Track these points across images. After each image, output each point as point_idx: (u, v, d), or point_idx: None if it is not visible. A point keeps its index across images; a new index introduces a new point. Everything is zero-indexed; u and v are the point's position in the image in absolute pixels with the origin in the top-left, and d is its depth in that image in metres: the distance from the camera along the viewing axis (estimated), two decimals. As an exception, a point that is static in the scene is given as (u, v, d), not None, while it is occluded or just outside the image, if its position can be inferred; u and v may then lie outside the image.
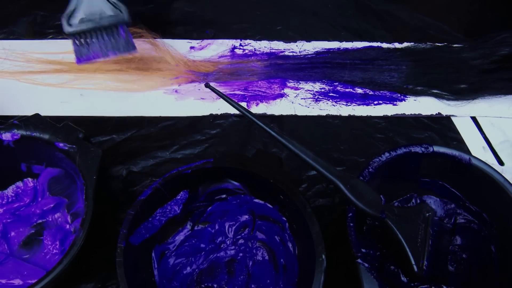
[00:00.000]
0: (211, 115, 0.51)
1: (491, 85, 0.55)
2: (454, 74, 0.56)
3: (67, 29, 0.47)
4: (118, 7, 0.49)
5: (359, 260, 0.32)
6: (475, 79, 0.55)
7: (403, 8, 0.67)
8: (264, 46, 0.59)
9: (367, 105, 0.53)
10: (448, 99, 0.54)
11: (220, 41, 0.59)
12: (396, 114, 0.53)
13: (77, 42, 0.49)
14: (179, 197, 0.39)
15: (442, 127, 0.52)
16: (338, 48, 0.59)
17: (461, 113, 0.53)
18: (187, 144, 0.48)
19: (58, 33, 0.58)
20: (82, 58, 0.49)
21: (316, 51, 0.59)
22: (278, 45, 0.59)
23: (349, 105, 0.53)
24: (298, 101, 0.53)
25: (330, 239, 0.35)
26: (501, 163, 0.49)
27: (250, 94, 0.53)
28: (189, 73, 0.54)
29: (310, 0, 0.67)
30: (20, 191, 0.42)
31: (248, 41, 0.60)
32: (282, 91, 0.54)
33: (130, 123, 0.50)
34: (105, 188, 0.43)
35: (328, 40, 0.60)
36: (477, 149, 0.50)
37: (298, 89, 0.54)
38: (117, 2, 0.49)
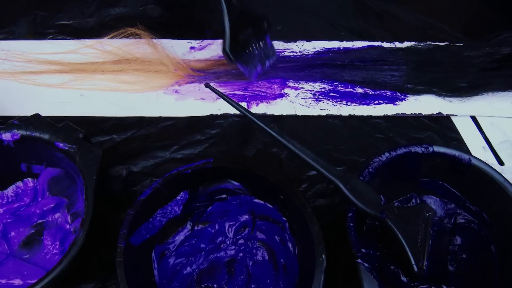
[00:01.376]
0: (211, 115, 0.51)
1: (492, 82, 0.55)
2: (455, 73, 0.56)
3: (231, 56, 0.49)
4: (260, 20, 0.51)
5: (359, 260, 0.32)
6: (475, 76, 0.55)
7: (403, 8, 0.67)
8: (264, 46, 0.59)
9: (368, 104, 0.53)
10: (448, 97, 0.54)
11: (220, 41, 0.58)
12: (397, 113, 0.53)
13: (243, 63, 0.51)
14: (179, 198, 0.39)
15: (442, 127, 0.52)
16: (339, 48, 0.59)
17: (461, 111, 0.53)
18: (187, 144, 0.48)
19: (58, 33, 0.58)
20: (254, 76, 0.53)
21: (317, 51, 0.59)
22: (278, 45, 0.59)
23: (349, 105, 0.53)
24: (298, 101, 0.53)
25: (330, 239, 0.35)
26: (501, 163, 0.49)
27: (250, 94, 0.53)
28: (188, 77, 0.54)
29: (310, 0, 0.67)
30: (20, 191, 0.42)
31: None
32: (282, 91, 0.54)
33: (130, 123, 0.50)
34: (105, 188, 0.43)
35: (329, 40, 0.60)
36: (477, 149, 0.50)
37: (298, 89, 0.54)
38: (258, 15, 0.51)
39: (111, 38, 0.55)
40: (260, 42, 0.52)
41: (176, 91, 0.53)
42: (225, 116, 0.51)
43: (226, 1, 0.48)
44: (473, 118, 0.53)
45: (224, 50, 0.49)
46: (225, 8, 0.48)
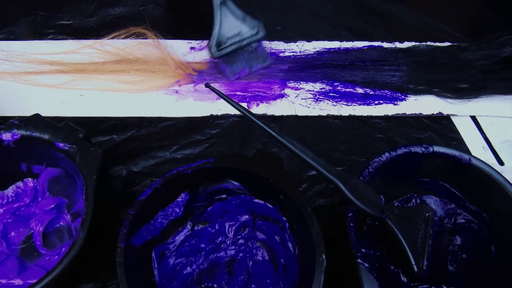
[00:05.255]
0: (211, 115, 0.51)
1: (493, 85, 0.55)
2: (456, 74, 0.56)
3: (216, 53, 0.51)
4: (254, 25, 0.53)
5: (359, 260, 0.32)
6: (476, 78, 0.55)
7: (403, 8, 0.67)
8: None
9: (368, 104, 0.53)
10: (449, 98, 0.54)
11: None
12: (397, 113, 0.53)
13: (225, 63, 0.53)
14: (180, 199, 0.39)
15: (442, 127, 0.52)
16: (339, 48, 0.59)
17: (462, 112, 0.53)
18: (187, 144, 0.48)
19: (58, 33, 0.58)
20: (233, 76, 0.53)
21: (317, 51, 0.59)
22: (278, 45, 0.59)
23: (349, 105, 0.53)
24: (299, 101, 0.53)
25: (330, 239, 0.35)
26: (501, 163, 0.49)
27: (251, 94, 0.53)
28: (189, 76, 0.54)
29: (310, 0, 0.67)
30: (20, 191, 0.42)
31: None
32: (283, 91, 0.54)
33: (130, 123, 0.50)
34: (105, 188, 0.43)
35: (329, 40, 0.60)
36: (477, 149, 0.50)
37: (299, 89, 0.54)
38: (253, 20, 0.52)
39: (114, 37, 0.55)
40: (251, 47, 0.53)
41: (176, 91, 0.53)
42: (225, 116, 0.51)
43: (220, 2, 0.50)
44: (473, 118, 0.53)
45: (208, 45, 0.51)
46: (218, 8, 0.50)
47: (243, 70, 0.54)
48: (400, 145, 0.39)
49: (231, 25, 0.52)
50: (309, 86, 0.55)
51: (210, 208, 0.41)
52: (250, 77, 0.55)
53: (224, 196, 0.41)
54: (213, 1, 0.50)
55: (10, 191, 0.42)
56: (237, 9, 0.51)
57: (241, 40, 0.52)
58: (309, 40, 0.60)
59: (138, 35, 0.55)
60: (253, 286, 0.37)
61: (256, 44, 0.54)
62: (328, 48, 0.59)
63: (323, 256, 0.33)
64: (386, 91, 0.55)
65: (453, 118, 0.53)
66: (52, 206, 0.40)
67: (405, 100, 0.54)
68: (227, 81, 0.54)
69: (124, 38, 0.55)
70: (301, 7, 0.66)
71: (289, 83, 0.55)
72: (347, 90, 0.55)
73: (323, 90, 0.54)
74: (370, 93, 0.55)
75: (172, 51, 0.55)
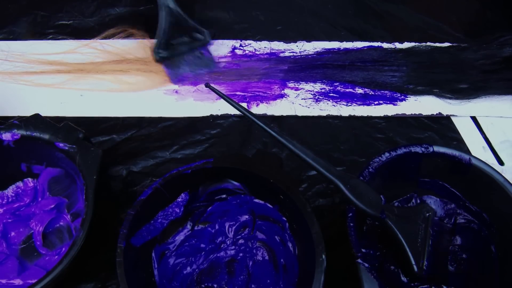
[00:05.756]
0: (211, 115, 0.51)
1: (493, 85, 0.55)
2: (456, 74, 0.56)
3: (157, 56, 0.52)
4: (199, 31, 0.54)
5: (359, 260, 0.32)
6: (476, 79, 0.55)
7: (403, 8, 0.67)
8: (264, 46, 0.59)
9: (368, 105, 0.53)
10: (449, 99, 0.54)
11: (220, 41, 0.59)
12: (397, 114, 0.53)
13: (168, 66, 0.53)
14: (180, 199, 0.39)
15: (442, 127, 0.52)
16: (339, 48, 0.59)
17: (461, 112, 0.53)
18: (187, 144, 0.48)
19: (58, 33, 0.58)
20: (175, 79, 0.53)
21: (317, 51, 0.59)
22: (278, 45, 0.59)
23: (349, 105, 0.53)
24: (299, 102, 0.53)
25: (330, 239, 0.35)
26: (501, 163, 0.49)
27: (251, 94, 0.53)
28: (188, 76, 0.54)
29: (310, 0, 0.67)
30: (20, 191, 0.42)
31: (248, 41, 0.59)
32: (283, 91, 0.54)
33: (130, 123, 0.50)
34: (105, 188, 0.43)
35: (329, 40, 0.60)
36: (477, 149, 0.50)
37: (299, 90, 0.54)
38: (198, 27, 0.54)
39: (109, 37, 0.55)
40: (196, 52, 0.54)
41: (176, 92, 0.53)
42: (225, 116, 0.51)
43: (165, 8, 0.52)
44: (473, 118, 0.53)
45: (154, 51, 0.52)
46: (164, 14, 0.52)
47: (187, 74, 0.54)
48: (400, 145, 0.39)
49: (177, 30, 0.53)
50: (309, 86, 0.55)
51: (210, 208, 0.41)
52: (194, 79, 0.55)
53: (224, 196, 0.41)
54: (158, 3, 0.52)
55: (10, 191, 0.42)
56: (183, 14, 0.53)
57: (185, 44, 0.53)
58: (309, 40, 0.60)
59: (135, 35, 0.55)
60: (253, 286, 0.37)
61: (200, 50, 0.55)
62: (328, 49, 0.59)
63: (323, 256, 0.33)
64: (386, 92, 0.55)
65: (453, 118, 0.53)
66: (52, 206, 0.40)
67: (405, 101, 0.54)
68: (230, 81, 0.54)
69: (121, 38, 0.55)
70: (301, 7, 0.66)
71: (289, 83, 0.55)
72: (347, 90, 0.55)
73: (323, 90, 0.54)
74: (370, 93, 0.55)
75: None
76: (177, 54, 0.53)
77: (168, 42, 0.53)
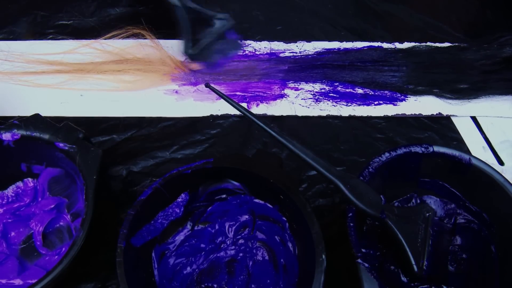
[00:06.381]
0: (211, 115, 0.51)
1: (493, 85, 0.55)
2: (456, 74, 0.56)
3: (189, 55, 0.53)
4: (219, 17, 0.54)
5: (359, 260, 0.32)
6: (476, 79, 0.55)
7: (403, 8, 0.67)
8: (264, 46, 0.59)
9: (368, 105, 0.53)
10: (449, 99, 0.54)
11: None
12: (397, 114, 0.53)
13: (200, 60, 0.54)
14: (180, 200, 0.39)
15: (442, 127, 0.52)
16: (339, 48, 0.59)
17: (461, 112, 0.53)
18: (187, 144, 0.48)
19: (58, 33, 0.58)
20: (211, 68, 0.55)
21: (317, 51, 0.59)
22: (278, 46, 0.59)
23: (349, 105, 0.53)
24: (299, 102, 0.53)
25: (330, 239, 0.35)
26: (501, 163, 0.49)
27: (251, 94, 0.53)
28: (189, 76, 0.54)
29: (310, 0, 0.67)
30: (20, 191, 0.42)
31: (248, 41, 0.59)
32: (283, 91, 0.54)
33: (130, 123, 0.50)
34: (105, 188, 0.43)
35: (329, 40, 0.60)
36: (477, 149, 0.50)
37: (299, 90, 0.54)
38: (218, 14, 0.54)
39: (111, 37, 0.55)
40: (221, 38, 0.54)
41: (176, 92, 0.53)
42: (225, 116, 0.51)
43: (184, 7, 0.51)
44: (473, 118, 0.53)
45: (184, 51, 0.53)
46: (183, 13, 0.52)
47: (220, 60, 0.54)
48: (400, 145, 0.39)
49: (197, 24, 0.53)
50: (309, 86, 0.55)
51: (210, 208, 0.41)
52: (237, 73, 0.55)
53: (224, 196, 0.41)
54: (174, 4, 0.51)
55: (10, 191, 0.42)
56: (199, 7, 0.52)
57: (210, 34, 0.53)
58: (309, 40, 0.60)
59: (135, 35, 0.55)
60: (253, 286, 0.37)
61: (225, 35, 0.55)
62: (328, 49, 0.59)
63: (323, 256, 0.33)
64: (386, 92, 0.55)
65: (453, 118, 0.53)
66: (52, 206, 0.40)
67: (405, 101, 0.54)
68: (230, 81, 0.54)
69: (122, 38, 0.55)
70: (301, 7, 0.66)
71: (289, 83, 0.55)
72: (347, 90, 0.55)
73: (323, 90, 0.54)
74: (370, 93, 0.55)
75: (171, 52, 0.55)
76: (207, 48, 0.53)
77: (194, 38, 0.52)
